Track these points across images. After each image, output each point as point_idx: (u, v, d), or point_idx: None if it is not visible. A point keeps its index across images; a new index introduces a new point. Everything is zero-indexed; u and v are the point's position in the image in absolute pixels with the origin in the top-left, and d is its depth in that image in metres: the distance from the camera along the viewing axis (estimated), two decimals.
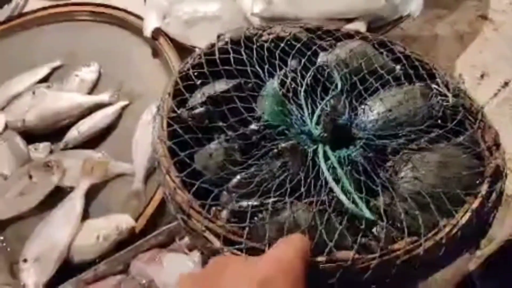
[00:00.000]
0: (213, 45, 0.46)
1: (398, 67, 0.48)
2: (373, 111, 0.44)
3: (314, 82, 0.45)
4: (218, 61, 0.44)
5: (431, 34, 0.69)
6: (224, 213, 0.34)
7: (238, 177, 0.37)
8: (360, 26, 0.59)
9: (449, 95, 0.42)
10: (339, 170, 0.35)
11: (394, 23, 0.63)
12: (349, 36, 0.51)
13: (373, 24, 0.62)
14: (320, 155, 0.37)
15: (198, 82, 0.44)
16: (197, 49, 0.64)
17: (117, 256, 0.50)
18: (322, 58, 0.48)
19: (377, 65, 0.47)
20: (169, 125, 0.39)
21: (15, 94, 0.70)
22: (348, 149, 0.39)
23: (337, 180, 0.35)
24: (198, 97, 0.43)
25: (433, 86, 0.45)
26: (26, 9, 0.83)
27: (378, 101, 0.44)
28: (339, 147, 0.39)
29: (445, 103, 0.42)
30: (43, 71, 0.73)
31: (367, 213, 0.31)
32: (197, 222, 0.32)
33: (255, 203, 0.33)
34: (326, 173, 0.35)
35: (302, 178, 0.36)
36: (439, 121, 0.43)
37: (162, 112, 0.39)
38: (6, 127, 0.66)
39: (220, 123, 0.41)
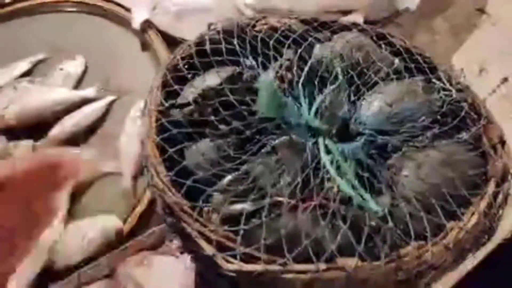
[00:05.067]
0: (204, 36, 0.44)
1: (397, 60, 0.46)
2: (374, 105, 0.42)
3: (310, 74, 0.43)
4: (208, 51, 0.42)
5: (428, 29, 0.67)
6: (216, 216, 0.31)
7: (229, 176, 0.35)
8: (356, 18, 0.57)
9: (452, 90, 0.41)
10: (343, 164, 0.33)
11: (391, 17, 0.62)
12: (347, 28, 0.49)
13: (369, 17, 0.60)
14: (321, 147, 0.35)
15: (189, 74, 0.41)
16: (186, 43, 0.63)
17: (102, 260, 0.47)
18: (318, 50, 0.45)
19: (376, 58, 0.45)
20: (157, 120, 0.36)
21: None
22: (350, 144, 0.36)
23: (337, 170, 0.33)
24: (189, 92, 0.40)
25: (435, 80, 0.43)
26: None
27: (379, 95, 0.42)
28: (338, 139, 0.37)
29: (448, 98, 0.40)
30: (25, 65, 0.69)
31: (375, 206, 0.29)
32: (188, 225, 0.29)
33: (249, 207, 0.30)
34: (329, 166, 0.33)
35: (299, 173, 0.34)
36: (441, 117, 0.41)
37: (150, 106, 0.37)
38: None
39: (212, 118, 0.38)
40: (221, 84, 0.40)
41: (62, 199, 0.54)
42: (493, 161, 0.35)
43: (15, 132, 0.61)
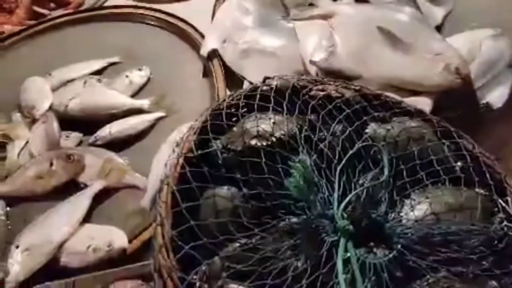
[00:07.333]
0: (256, 89, 0.43)
1: (459, 164, 0.41)
2: (417, 211, 0.37)
3: (354, 156, 0.39)
4: (256, 108, 0.41)
5: (508, 127, 0.59)
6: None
7: (237, 244, 0.33)
8: (425, 102, 0.53)
9: None
10: (359, 279, 0.29)
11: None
12: (410, 113, 0.44)
13: (442, 103, 0.54)
14: (340, 251, 0.31)
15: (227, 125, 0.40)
16: (245, 82, 0.63)
17: (97, 275, 0.47)
18: (370, 130, 0.42)
19: (434, 157, 0.40)
20: (182, 167, 0.35)
21: (68, 79, 0.72)
22: (375, 254, 0.32)
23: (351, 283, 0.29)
24: (225, 142, 0.39)
25: (501, 202, 0.37)
26: (107, 3, 0.87)
27: (426, 200, 0.37)
28: (365, 241, 0.33)
29: (510, 232, 0.34)
30: (99, 64, 0.75)
31: None
32: None
33: None
34: (341, 280, 0.29)
35: (308, 269, 0.30)
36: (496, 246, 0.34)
37: (180, 150, 0.36)
38: (51, 108, 0.68)
39: (239, 176, 0.36)
40: (257, 144, 0.38)
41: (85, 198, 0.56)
42: None
43: (69, 123, 0.66)
